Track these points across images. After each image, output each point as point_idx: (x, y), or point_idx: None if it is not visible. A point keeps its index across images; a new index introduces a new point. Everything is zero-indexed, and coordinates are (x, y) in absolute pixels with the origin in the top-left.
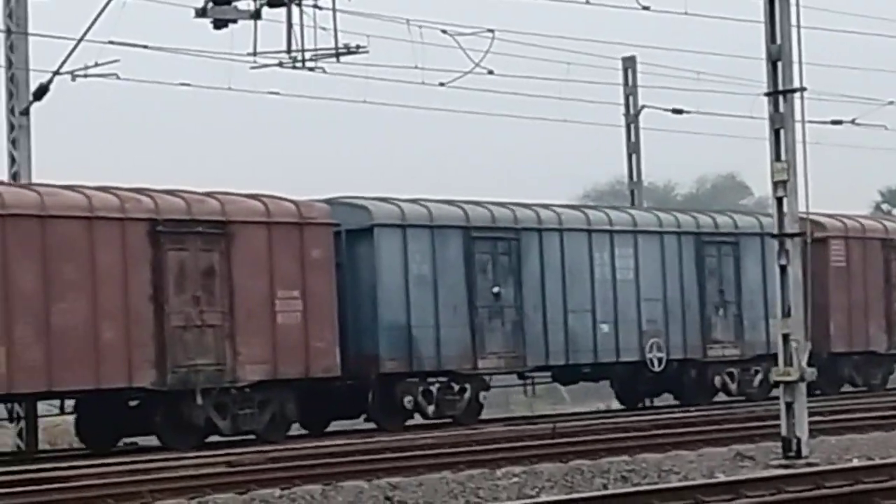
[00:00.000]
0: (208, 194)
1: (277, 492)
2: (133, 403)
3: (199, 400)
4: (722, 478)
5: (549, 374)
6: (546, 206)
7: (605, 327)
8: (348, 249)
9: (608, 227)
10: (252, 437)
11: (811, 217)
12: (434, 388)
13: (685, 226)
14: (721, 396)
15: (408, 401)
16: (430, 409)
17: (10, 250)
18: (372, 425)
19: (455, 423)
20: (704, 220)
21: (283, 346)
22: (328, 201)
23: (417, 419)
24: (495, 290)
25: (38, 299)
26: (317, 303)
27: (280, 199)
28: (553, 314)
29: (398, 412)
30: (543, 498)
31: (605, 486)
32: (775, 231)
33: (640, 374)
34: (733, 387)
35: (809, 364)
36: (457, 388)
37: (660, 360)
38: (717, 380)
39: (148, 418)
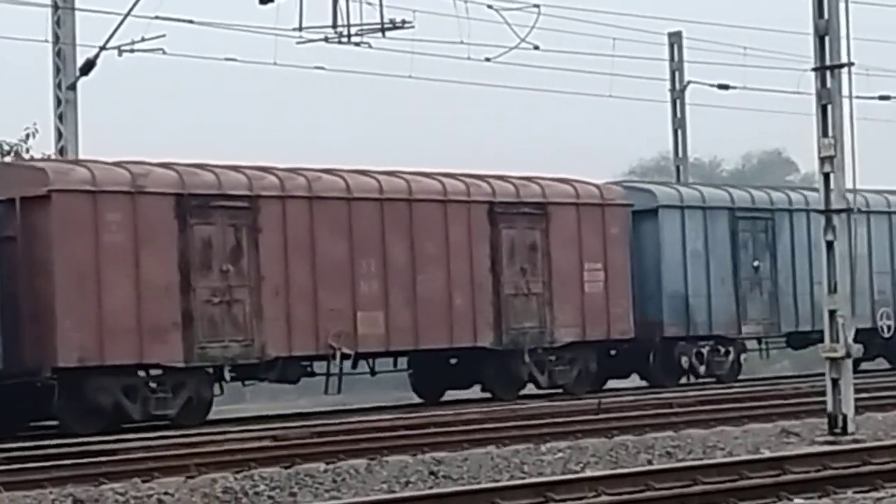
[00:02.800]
0: (530, 179)
1: (322, 466)
2: (453, 361)
3: (527, 358)
4: (767, 454)
5: (783, 338)
6: (794, 189)
7: None
8: (635, 227)
9: None
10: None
11: None
12: (704, 350)
13: None
14: None
15: (684, 361)
16: (702, 368)
17: (386, 229)
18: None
19: (718, 381)
20: None
21: (590, 312)
22: (616, 184)
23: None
24: (755, 263)
25: (407, 271)
26: (615, 274)
27: (585, 182)
28: (801, 285)
29: (674, 371)
30: (588, 473)
31: (649, 462)
32: (822, 207)
33: (870, 339)
34: None
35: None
36: (722, 350)
37: (889, 327)
38: None
39: (478, 372)
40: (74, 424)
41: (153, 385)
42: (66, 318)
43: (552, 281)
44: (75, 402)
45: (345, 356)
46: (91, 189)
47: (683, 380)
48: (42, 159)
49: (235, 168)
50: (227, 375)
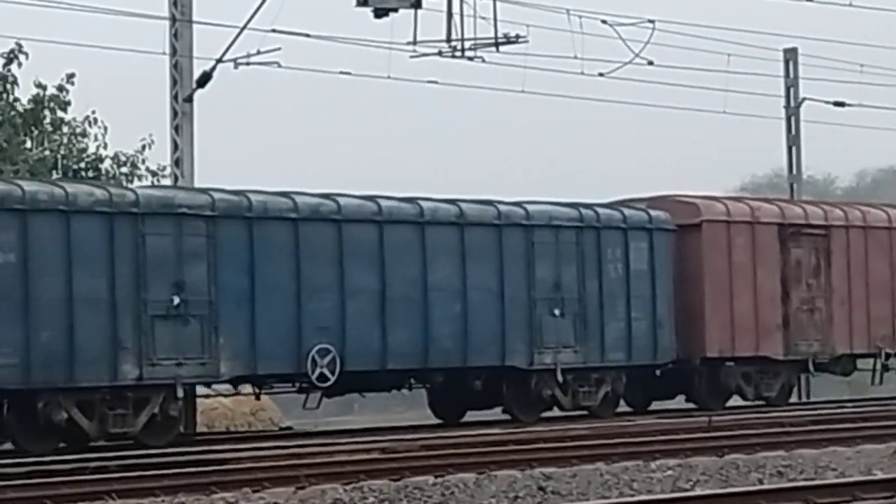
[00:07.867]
0: None
1: (431, 479)
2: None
3: None
4: (880, 475)
5: None
6: None
7: None
8: None
9: None
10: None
11: None
12: None
13: None
14: None
15: None
16: None
17: (869, 252)
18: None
19: None
20: None
21: None
22: None
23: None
24: None
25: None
26: None
27: None
28: None
29: None
30: (698, 491)
31: (760, 481)
32: None
33: None
34: None
35: None
36: None
37: None
38: None
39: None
40: (709, 401)
41: (760, 373)
42: (712, 319)
43: None
44: (706, 384)
45: (888, 355)
46: (726, 219)
47: None
48: (689, 195)
49: (813, 203)
50: (811, 368)
